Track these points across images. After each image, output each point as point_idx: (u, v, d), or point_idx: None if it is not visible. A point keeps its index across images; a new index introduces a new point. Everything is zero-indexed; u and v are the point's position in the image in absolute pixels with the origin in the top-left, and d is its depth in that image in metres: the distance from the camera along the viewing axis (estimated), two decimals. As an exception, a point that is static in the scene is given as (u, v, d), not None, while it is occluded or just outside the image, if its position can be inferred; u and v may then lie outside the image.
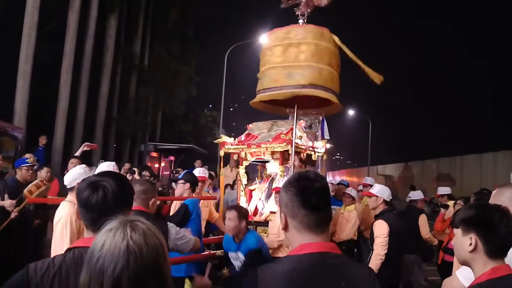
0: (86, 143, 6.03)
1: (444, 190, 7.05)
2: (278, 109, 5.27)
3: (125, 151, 19.96)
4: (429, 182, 25.73)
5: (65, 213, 2.82)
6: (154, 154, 18.50)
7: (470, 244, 1.60)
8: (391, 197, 4.43)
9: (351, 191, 6.26)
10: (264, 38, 5.70)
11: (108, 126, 18.44)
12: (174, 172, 14.84)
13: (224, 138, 5.95)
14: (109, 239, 1.01)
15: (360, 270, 1.43)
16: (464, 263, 1.68)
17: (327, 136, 6.02)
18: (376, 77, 4.52)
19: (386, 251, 4.05)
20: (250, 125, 6.21)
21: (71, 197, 2.91)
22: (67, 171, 3.75)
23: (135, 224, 1.05)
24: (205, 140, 24.74)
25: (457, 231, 1.68)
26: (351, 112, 33.31)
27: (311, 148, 5.83)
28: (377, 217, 4.29)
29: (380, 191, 4.35)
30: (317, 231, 1.38)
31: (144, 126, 20.40)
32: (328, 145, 6.16)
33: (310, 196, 1.38)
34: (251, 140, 5.64)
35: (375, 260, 4.08)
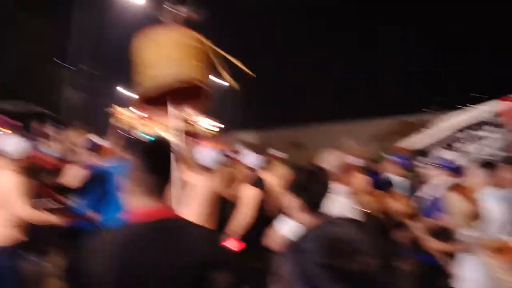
0: None
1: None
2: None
3: None
4: (285, 149, 25.60)
5: None
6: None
7: (295, 204, 1.90)
8: (259, 164, 4.72)
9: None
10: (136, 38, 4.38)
11: None
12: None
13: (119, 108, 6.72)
14: None
15: (199, 231, 1.50)
16: (294, 218, 1.95)
17: None
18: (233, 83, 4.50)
19: (253, 213, 4.34)
20: None
21: None
22: None
23: None
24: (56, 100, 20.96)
25: (285, 193, 1.97)
26: (215, 79, 30.55)
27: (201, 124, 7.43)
28: (246, 182, 4.60)
29: (248, 158, 4.72)
30: (157, 196, 1.40)
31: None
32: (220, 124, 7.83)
33: (154, 161, 1.41)
34: (145, 113, 6.89)
35: (242, 221, 4.34)
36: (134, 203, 1.40)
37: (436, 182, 4.12)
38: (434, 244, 3.46)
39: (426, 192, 4.21)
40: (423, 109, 22.14)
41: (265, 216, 4.44)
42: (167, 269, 1.34)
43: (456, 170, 4.15)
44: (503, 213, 3.10)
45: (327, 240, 0.79)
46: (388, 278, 0.77)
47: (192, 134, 8.67)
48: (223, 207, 6.26)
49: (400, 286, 5.17)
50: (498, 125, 4.82)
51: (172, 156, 1.50)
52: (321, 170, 1.99)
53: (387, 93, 25.61)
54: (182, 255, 1.37)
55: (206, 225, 3.96)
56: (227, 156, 7.64)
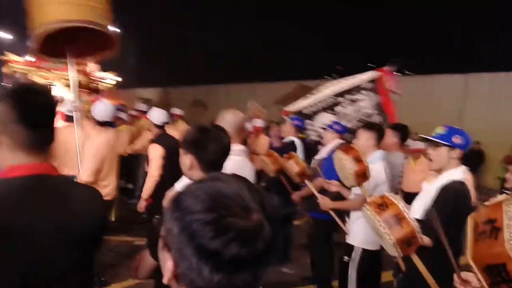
0: None
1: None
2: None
3: None
4: (185, 107, 25.45)
5: None
6: None
7: (189, 162, 1.81)
8: (165, 121, 4.60)
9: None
10: None
11: None
12: None
13: (13, 56, 6.53)
14: None
15: (83, 190, 1.40)
16: (189, 177, 1.85)
17: None
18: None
19: (160, 172, 4.26)
20: None
21: None
22: None
23: None
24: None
25: (181, 151, 1.85)
26: (118, 30, 28.25)
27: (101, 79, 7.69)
28: (152, 141, 4.44)
29: (154, 115, 4.55)
30: (34, 151, 1.26)
31: None
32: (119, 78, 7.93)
33: (30, 111, 1.24)
34: (42, 63, 6.43)
35: (149, 182, 4.29)
36: (10, 160, 1.24)
37: (329, 144, 4.37)
38: (327, 202, 3.68)
39: (320, 153, 4.45)
40: (325, 76, 23.31)
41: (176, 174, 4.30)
42: (46, 232, 1.19)
43: (346, 132, 4.45)
44: (387, 173, 3.40)
45: (209, 195, 0.75)
46: (272, 233, 0.76)
47: (91, 88, 8.60)
48: (127, 163, 6.29)
49: (296, 241, 5.54)
50: (371, 90, 5.37)
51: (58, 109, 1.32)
52: (218, 128, 1.91)
53: (292, 59, 26.27)
54: (65, 216, 1.25)
55: (106, 181, 4.06)
56: (129, 112, 7.95)
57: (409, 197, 2.92)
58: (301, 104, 5.36)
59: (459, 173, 2.50)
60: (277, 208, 0.83)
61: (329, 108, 5.32)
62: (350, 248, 3.35)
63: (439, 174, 2.57)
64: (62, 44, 3.93)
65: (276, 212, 0.82)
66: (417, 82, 17.53)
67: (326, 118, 5.24)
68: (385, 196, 1.84)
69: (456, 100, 15.86)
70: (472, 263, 1.01)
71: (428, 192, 2.53)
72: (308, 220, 5.00)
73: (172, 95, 31.65)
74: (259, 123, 8.15)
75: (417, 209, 2.55)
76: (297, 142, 4.92)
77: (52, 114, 1.32)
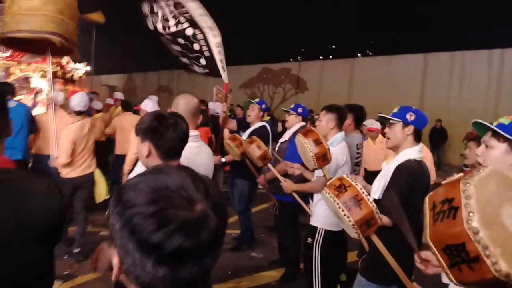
0: None
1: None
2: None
3: None
4: (150, 93, 25.26)
5: None
6: None
7: (146, 150, 1.79)
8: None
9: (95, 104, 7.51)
10: None
11: None
12: None
13: None
14: None
15: (37, 182, 1.30)
16: (147, 165, 1.79)
17: None
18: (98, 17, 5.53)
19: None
20: None
21: None
22: None
23: None
24: None
25: (137, 139, 1.83)
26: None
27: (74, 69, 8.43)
28: None
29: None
30: None
31: None
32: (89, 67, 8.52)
33: None
34: (21, 58, 7.39)
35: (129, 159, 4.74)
36: None
37: (292, 128, 4.35)
38: (290, 185, 3.68)
39: (284, 137, 4.43)
40: (291, 59, 23.36)
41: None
42: (0, 229, 1.14)
43: (306, 115, 4.44)
44: (347, 155, 3.42)
45: (150, 188, 0.72)
46: (219, 222, 0.74)
47: (66, 78, 9.36)
48: (103, 150, 6.30)
49: (263, 224, 5.57)
50: None
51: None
52: (175, 115, 1.86)
53: (257, 43, 26.14)
54: (20, 213, 1.18)
55: (80, 161, 4.49)
56: (106, 102, 8.85)
57: (372, 176, 2.94)
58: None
59: (415, 152, 2.52)
60: (223, 196, 0.80)
61: None
62: (314, 230, 3.36)
63: (397, 153, 2.60)
64: (36, 43, 4.35)
65: (222, 201, 0.79)
66: (377, 63, 17.86)
67: None
68: (343, 178, 1.83)
69: (416, 79, 16.25)
70: (430, 244, 1.00)
71: (387, 172, 2.55)
72: (274, 203, 5.01)
73: (137, 81, 31.69)
74: (224, 107, 8.08)
75: (377, 189, 2.57)
76: (268, 127, 4.90)
77: (2, 107, 1.28)
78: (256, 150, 3.95)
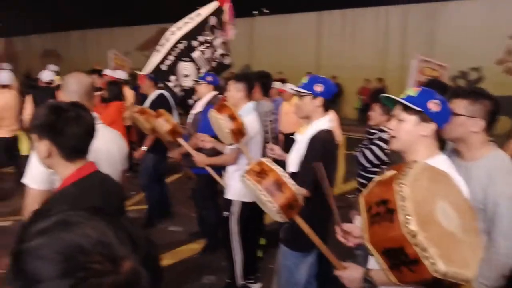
0: None
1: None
2: None
3: None
4: (35, 58, 24.98)
5: None
6: None
7: (46, 150, 1.55)
8: None
9: None
10: None
11: None
12: None
13: None
14: None
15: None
16: (48, 166, 1.64)
17: None
18: None
19: None
20: None
21: None
22: None
23: None
24: None
25: (34, 137, 1.59)
26: None
27: None
28: None
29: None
30: None
31: None
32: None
33: None
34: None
35: None
36: None
37: (204, 97, 4.19)
38: (202, 159, 3.58)
39: (195, 107, 4.27)
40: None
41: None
42: None
43: (217, 84, 4.31)
44: (258, 124, 3.39)
45: (61, 254, 0.56)
46: (153, 278, 0.63)
47: None
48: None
49: (180, 197, 5.43)
50: (217, 26, 5.00)
51: None
52: (77, 106, 1.61)
53: (151, 1, 24.54)
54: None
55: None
56: None
57: (289, 139, 2.96)
58: (154, 62, 4.79)
59: (325, 122, 2.58)
60: (151, 241, 0.66)
61: (184, 55, 4.86)
62: (229, 202, 3.35)
63: (308, 124, 2.63)
64: None
65: (152, 247, 0.66)
66: (273, 22, 18.03)
67: (184, 68, 4.88)
68: (262, 162, 1.78)
69: (310, 38, 16.75)
70: (369, 247, 0.99)
71: (300, 143, 2.58)
72: (189, 175, 4.90)
73: (18, 46, 28.73)
74: (122, 74, 7.53)
75: (293, 162, 2.60)
76: (167, 95, 4.69)
77: None
78: (164, 124, 3.72)
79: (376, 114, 3.25)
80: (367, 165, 3.22)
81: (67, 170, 1.58)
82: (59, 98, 2.34)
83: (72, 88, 2.15)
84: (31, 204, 1.87)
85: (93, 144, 1.64)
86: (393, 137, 1.69)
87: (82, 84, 2.19)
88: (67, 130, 1.52)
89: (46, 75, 6.58)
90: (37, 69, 14.58)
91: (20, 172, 3.25)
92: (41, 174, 1.85)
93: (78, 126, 1.54)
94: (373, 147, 3.17)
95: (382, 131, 3.13)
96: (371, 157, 3.17)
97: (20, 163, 5.33)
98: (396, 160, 2.22)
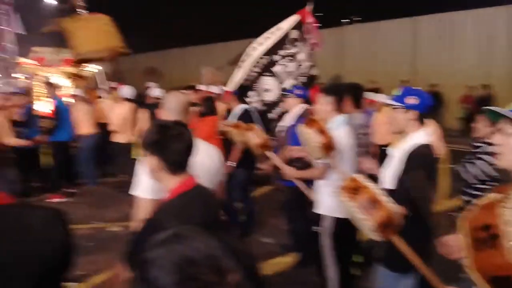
0: None
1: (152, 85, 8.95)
2: None
3: None
4: (139, 76, 25.05)
5: None
6: None
7: (156, 165, 1.70)
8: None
9: None
10: None
11: None
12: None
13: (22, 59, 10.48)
14: None
15: (42, 215, 1.30)
16: (156, 179, 1.79)
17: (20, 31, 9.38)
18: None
19: None
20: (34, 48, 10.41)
21: None
22: None
23: None
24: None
25: (145, 153, 1.75)
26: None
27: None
28: None
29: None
30: None
31: None
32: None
33: None
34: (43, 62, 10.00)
35: None
36: None
37: (293, 110, 4.22)
38: (291, 172, 3.58)
39: (284, 120, 4.31)
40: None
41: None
42: (6, 264, 1.10)
43: (305, 97, 4.30)
44: (350, 138, 3.29)
45: (175, 265, 0.63)
46: (255, 285, 0.65)
47: (82, 76, 11.26)
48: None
49: (272, 209, 5.49)
50: (300, 39, 5.00)
51: None
52: (179, 124, 1.76)
53: (249, 15, 25.43)
54: (25, 246, 1.15)
55: None
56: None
57: (383, 151, 2.85)
58: (237, 78, 4.93)
59: (422, 135, 2.43)
60: (252, 255, 0.70)
61: (266, 70, 4.95)
62: (319, 217, 3.26)
63: (402, 138, 2.51)
64: None
65: (253, 259, 0.70)
66: (365, 30, 17.54)
67: (266, 82, 4.93)
68: (355, 179, 1.74)
69: (406, 44, 16.01)
70: (473, 274, 0.91)
71: (395, 158, 2.46)
72: (279, 187, 4.92)
73: (124, 65, 31.00)
74: (216, 89, 7.81)
75: (388, 178, 2.48)
76: (251, 109, 4.80)
77: None
78: (255, 138, 3.80)
79: (481, 126, 3.00)
80: (473, 181, 2.97)
81: (172, 183, 1.72)
82: (158, 115, 2.52)
83: (171, 106, 2.30)
84: (140, 212, 2.04)
85: (192, 158, 1.75)
86: (499, 153, 1.52)
87: (180, 102, 2.33)
88: (171, 146, 1.67)
89: (155, 92, 7.22)
90: (139, 86, 15.79)
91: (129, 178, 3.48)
92: (150, 185, 2.00)
93: (180, 142, 1.68)
94: (478, 162, 2.92)
95: (488, 143, 2.88)
96: (477, 172, 2.92)
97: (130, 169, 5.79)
98: (504, 177, 2.02)
